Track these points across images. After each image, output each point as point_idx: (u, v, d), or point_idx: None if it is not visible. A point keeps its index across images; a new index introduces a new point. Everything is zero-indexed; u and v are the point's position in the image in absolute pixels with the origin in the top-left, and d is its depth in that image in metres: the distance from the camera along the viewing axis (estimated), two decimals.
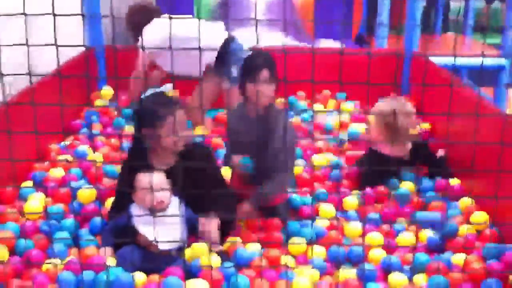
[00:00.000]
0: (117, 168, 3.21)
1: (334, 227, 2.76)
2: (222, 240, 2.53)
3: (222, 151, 3.42)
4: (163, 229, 2.33)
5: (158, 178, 2.43)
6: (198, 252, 2.38)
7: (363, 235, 2.59)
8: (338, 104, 4.47)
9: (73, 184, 3.05)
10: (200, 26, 2.09)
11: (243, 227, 2.74)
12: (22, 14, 1.75)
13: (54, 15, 1.67)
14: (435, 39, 7.18)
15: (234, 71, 3.74)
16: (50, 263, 2.31)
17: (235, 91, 3.06)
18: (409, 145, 3.24)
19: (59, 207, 2.80)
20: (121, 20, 4.05)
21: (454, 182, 3.12)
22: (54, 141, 3.60)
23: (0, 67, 1.66)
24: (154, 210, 2.38)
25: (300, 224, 2.75)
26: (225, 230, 2.55)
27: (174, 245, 2.40)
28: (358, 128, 3.96)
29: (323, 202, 3.00)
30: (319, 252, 2.56)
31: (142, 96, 2.58)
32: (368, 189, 3.04)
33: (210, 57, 3.81)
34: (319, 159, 3.49)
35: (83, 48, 4.35)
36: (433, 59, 4.46)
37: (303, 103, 4.54)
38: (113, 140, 3.73)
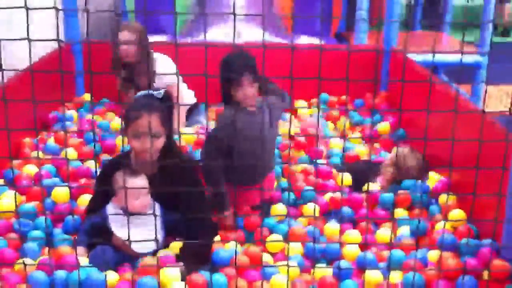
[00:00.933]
0: (91, 164, 3.17)
1: (313, 224, 2.74)
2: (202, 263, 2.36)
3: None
4: (139, 231, 2.30)
5: (139, 181, 2.39)
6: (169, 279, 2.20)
7: (340, 233, 2.57)
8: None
9: (46, 181, 2.99)
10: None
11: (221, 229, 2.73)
12: None
13: (27, 8, 1.63)
14: (413, 36, 7.20)
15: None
16: (22, 262, 2.26)
17: None
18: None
19: (32, 205, 2.75)
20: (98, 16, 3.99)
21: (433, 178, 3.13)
22: (29, 136, 3.53)
23: None
24: (132, 213, 2.33)
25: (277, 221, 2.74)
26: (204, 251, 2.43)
27: (149, 249, 2.36)
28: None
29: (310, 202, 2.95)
30: (296, 249, 2.55)
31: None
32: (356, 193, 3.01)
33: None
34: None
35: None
36: (411, 56, 4.47)
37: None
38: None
